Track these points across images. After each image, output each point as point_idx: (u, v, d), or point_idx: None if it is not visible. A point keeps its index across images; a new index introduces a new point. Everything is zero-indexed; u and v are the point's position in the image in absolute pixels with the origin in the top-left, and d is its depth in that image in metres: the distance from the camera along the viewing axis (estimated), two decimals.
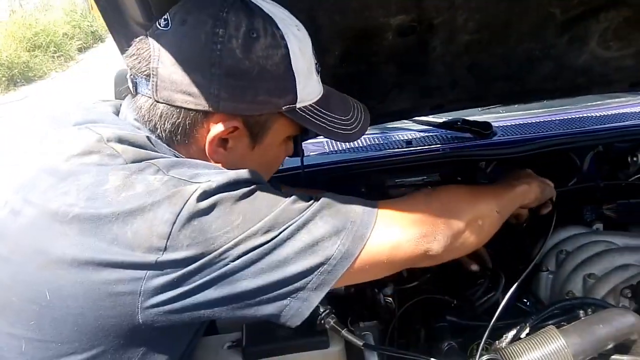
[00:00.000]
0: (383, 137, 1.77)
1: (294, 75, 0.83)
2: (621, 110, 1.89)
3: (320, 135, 1.19)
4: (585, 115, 1.82)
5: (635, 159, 1.55)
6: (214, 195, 0.73)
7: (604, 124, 1.73)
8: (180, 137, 0.84)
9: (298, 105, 0.86)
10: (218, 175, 0.76)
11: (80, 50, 10.69)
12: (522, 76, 1.34)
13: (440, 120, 1.73)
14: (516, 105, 1.93)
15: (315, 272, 0.76)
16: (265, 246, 0.74)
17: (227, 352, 1.08)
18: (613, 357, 1.03)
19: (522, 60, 1.26)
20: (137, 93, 0.85)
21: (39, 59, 9.20)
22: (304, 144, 1.36)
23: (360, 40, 1.07)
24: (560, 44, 1.23)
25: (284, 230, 0.75)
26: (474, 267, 1.29)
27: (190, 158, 0.84)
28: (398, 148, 1.66)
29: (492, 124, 1.71)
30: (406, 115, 1.56)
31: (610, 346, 1.00)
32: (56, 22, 10.49)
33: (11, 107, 7.22)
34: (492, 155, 1.54)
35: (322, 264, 0.76)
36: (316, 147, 1.70)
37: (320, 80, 0.91)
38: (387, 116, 1.46)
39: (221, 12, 0.79)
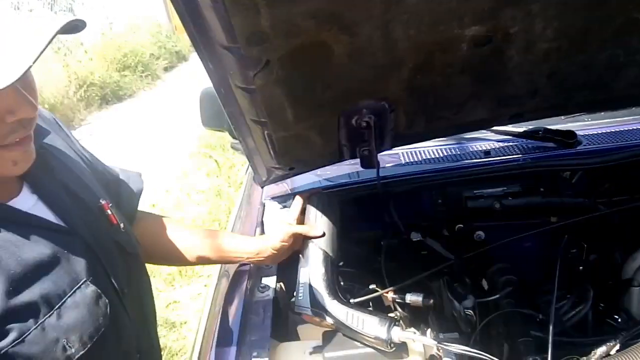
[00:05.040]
0: (460, 148, 1.74)
1: None
2: None
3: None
4: None
5: None
6: None
7: None
8: None
9: None
10: None
11: (166, 69, 11.25)
12: (605, 83, 1.27)
13: (521, 130, 1.68)
14: (602, 113, 1.84)
15: None
16: None
17: (309, 357, 1.11)
18: None
19: (605, 67, 1.20)
20: None
21: (128, 79, 9.78)
22: (379, 155, 1.36)
23: (435, 52, 1.07)
24: None
25: None
26: None
27: None
28: (476, 159, 1.64)
29: (577, 132, 1.65)
30: (484, 126, 1.53)
31: None
32: (143, 44, 11.10)
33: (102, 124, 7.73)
34: (577, 165, 1.48)
35: None
36: (392, 159, 1.70)
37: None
38: (465, 127, 1.43)
39: None
